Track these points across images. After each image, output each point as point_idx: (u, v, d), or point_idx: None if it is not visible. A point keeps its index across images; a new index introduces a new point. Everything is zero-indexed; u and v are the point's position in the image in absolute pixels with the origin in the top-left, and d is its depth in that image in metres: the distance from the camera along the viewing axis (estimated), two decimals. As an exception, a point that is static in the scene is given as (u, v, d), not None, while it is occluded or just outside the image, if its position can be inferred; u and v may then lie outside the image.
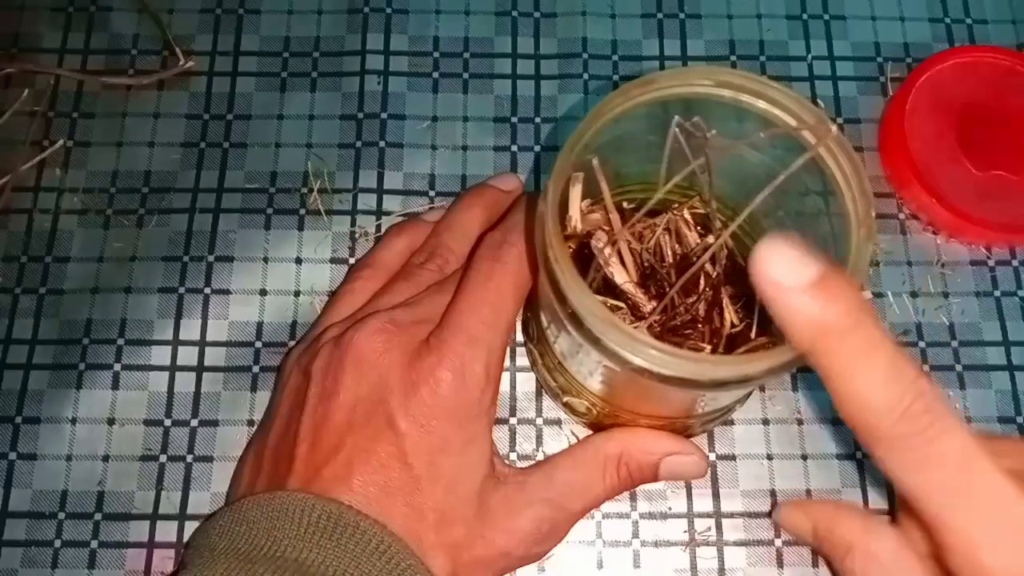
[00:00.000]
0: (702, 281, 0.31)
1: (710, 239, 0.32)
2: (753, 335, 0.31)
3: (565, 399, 0.33)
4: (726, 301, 0.30)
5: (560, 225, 0.25)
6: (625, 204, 0.32)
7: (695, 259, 0.31)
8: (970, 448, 0.23)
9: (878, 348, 0.22)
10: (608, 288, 0.30)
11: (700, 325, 0.30)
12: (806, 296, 0.21)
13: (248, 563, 0.26)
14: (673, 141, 0.28)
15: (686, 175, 0.29)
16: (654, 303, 0.30)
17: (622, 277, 0.30)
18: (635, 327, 0.23)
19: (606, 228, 0.31)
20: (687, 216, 0.32)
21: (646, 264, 0.31)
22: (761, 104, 0.26)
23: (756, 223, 0.32)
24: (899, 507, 0.30)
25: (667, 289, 0.30)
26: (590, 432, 0.34)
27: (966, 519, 0.23)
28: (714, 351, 0.30)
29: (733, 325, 0.30)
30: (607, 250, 0.30)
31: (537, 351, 0.34)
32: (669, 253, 0.31)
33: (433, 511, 0.29)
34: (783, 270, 0.21)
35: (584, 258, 0.31)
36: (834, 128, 0.25)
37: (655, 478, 0.32)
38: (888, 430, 0.22)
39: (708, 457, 0.34)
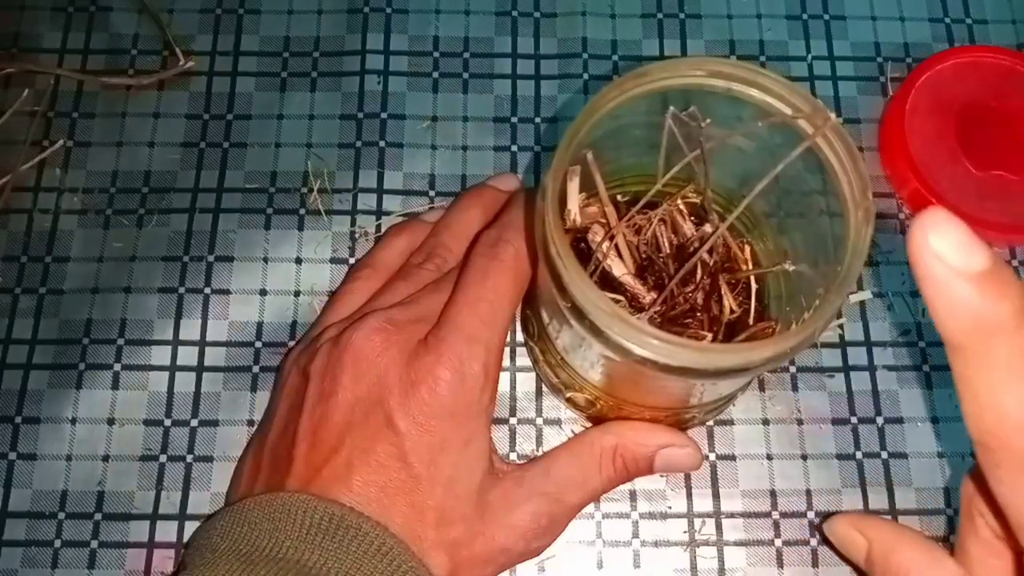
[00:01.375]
0: (699, 270, 0.31)
1: (706, 228, 0.32)
2: (751, 321, 0.31)
3: (568, 395, 0.34)
4: (725, 288, 0.31)
5: (560, 219, 0.25)
6: (619, 197, 0.32)
7: (692, 248, 0.31)
8: None
9: None
10: (606, 281, 0.30)
11: (699, 314, 0.30)
12: (972, 285, 0.18)
13: (249, 564, 0.26)
14: (670, 133, 0.28)
15: (683, 167, 0.29)
16: (653, 294, 0.30)
17: (620, 269, 0.30)
18: (637, 318, 0.23)
19: (602, 221, 0.31)
20: (681, 206, 0.32)
21: (643, 256, 0.31)
22: (754, 93, 0.26)
23: (757, 221, 0.32)
24: (962, 538, 0.27)
25: (665, 279, 0.30)
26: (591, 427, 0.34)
27: None
28: (714, 339, 0.30)
29: (732, 312, 0.31)
30: (604, 243, 0.30)
31: (538, 348, 0.34)
32: (666, 243, 0.31)
33: (433, 510, 0.29)
34: (951, 248, 0.18)
35: (581, 253, 0.31)
36: (832, 115, 0.25)
37: (650, 470, 0.32)
38: (1022, 449, 0.20)
39: (703, 451, 0.34)
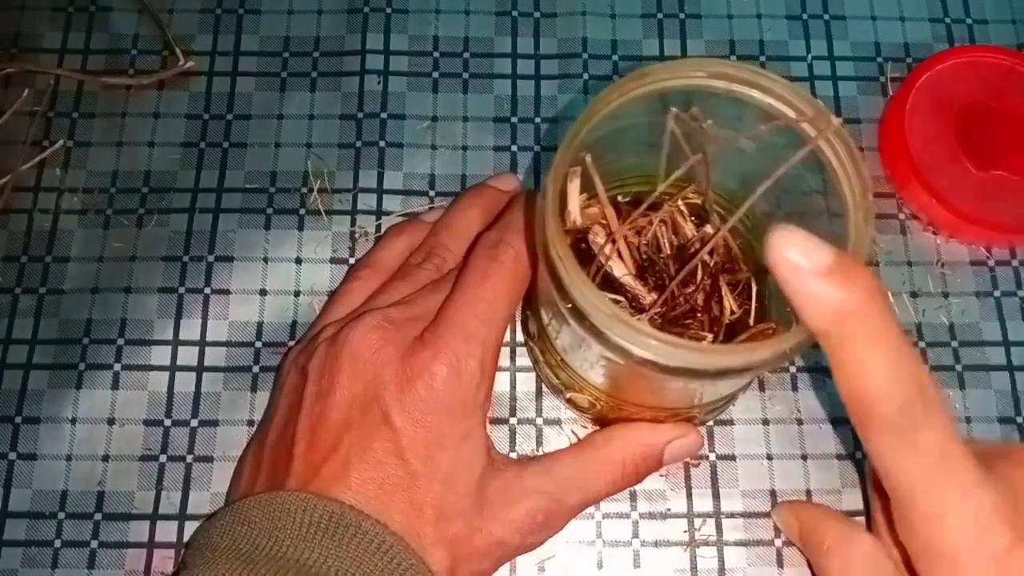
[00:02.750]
0: (699, 271, 0.31)
1: (707, 229, 0.32)
2: (752, 322, 0.31)
3: (568, 395, 0.34)
4: (725, 289, 0.31)
5: (560, 221, 0.25)
6: (620, 198, 0.32)
7: (692, 249, 0.31)
8: (947, 434, 0.24)
9: (888, 337, 0.22)
10: (607, 282, 0.30)
11: (699, 314, 0.30)
12: (822, 280, 0.21)
13: (250, 563, 0.26)
14: (671, 134, 0.28)
15: (686, 169, 0.29)
16: (653, 295, 0.30)
17: (621, 270, 0.30)
18: (637, 319, 0.23)
19: (603, 222, 0.31)
20: (682, 207, 0.32)
21: (644, 256, 0.31)
22: (756, 94, 0.26)
23: (758, 222, 0.32)
24: (874, 513, 0.31)
25: (666, 280, 0.30)
26: (593, 428, 0.34)
27: (935, 502, 0.24)
28: (715, 339, 0.30)
29: (732, 312, 0.31)
30: (606, 245, 0.30)
31: (538, 348, 0.34)
32: (666, 244, 0.31)
33: (431, 506, 0.29)
34: (800, 253, 0.21)
35: (582, 253, 0.31)
36: (834, 119, 0.25)
37: (660, 466, 0.32)
38: (887, 417, 0.23)
39: (702, 433, 0.34)
